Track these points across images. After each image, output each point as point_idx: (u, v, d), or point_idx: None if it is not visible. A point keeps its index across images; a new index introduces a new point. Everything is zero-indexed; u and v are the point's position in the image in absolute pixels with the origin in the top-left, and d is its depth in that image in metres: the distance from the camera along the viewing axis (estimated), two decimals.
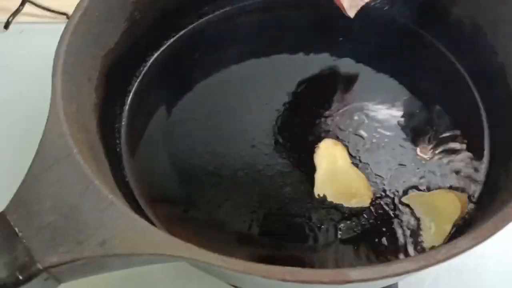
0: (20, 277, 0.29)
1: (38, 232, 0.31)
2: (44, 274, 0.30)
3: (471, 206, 0.43)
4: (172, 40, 0.55)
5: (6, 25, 0.68)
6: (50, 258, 0.30)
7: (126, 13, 0.48)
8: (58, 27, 0.65)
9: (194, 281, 0.47)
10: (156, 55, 0.54)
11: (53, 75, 0.39)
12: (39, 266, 0.30)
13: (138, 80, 0.52)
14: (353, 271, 0.28)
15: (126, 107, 0.50)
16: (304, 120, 0.49)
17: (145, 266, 0.45)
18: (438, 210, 0.42)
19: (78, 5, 0.43)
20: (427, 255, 0.29)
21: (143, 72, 0.53)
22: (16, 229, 0.31)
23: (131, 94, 0.51)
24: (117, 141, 0.48)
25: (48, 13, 0.69)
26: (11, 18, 0.68)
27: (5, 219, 0.31)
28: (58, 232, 0.31)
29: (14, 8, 0.68)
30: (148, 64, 0.54)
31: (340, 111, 0.49)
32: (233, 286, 0.46)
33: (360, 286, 0.33)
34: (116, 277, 0.46)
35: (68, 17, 0.69)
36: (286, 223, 0.43)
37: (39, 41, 0.65)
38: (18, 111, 0.59)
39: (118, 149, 0.47)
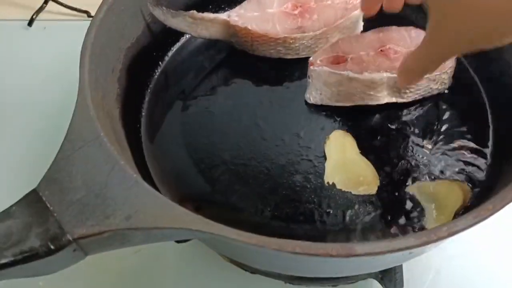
0: (52, 247, 0.32)
1: (68, 207, 0.33)
2: (73, 245, 0.33)
3: (472, 196, 0.45)
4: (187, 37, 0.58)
5: (30, 22, 0.71)
6: (79, 230, 0.33)
7: (147, 9, 0.51)
8: (80, 24, 0.69)
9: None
10: (175, 49, 0.57)
11: (81, 66, 0.41)
12: (69, 237, 0.32)
13: (157, 73, 0.55)
14: (359, 246, 0.31)
15: (146, 98, 0.53)
16: (315, 114, 0.51)
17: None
18: (441, 200, 0.44)
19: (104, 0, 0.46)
20: (429, 232, 0.32)
21: (163, 65, 0.56)
22: (48, 204, 0.34)
23: (151, 86, 0.54)
24: (138, 129, 0.50)
25: (70, 11, 0.72)
26: (34, 15, 0.71)
27: (38, 195, 0.34)
28: (87, 207, 0.33)
29: (37, 6, 0.71)
30: (168, 57, 0.56)
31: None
32: (243, 268, 0.48)
33: (367, 262, 0.35)
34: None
35: (89, 15, 0.71)
36: (296, 209, 0.45)
37: (61, 38, 0.69)
38: (43, 101, 0.62)
39: (139, 136, 0.50)
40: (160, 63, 0.56)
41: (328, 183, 0.46)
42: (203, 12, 0.53)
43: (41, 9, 0.72)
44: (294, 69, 0.54)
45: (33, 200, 0.34)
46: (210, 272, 0.49)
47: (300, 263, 0.36)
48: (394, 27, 0.51)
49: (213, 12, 0.58)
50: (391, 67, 0.48)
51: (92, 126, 0.37)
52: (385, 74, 0.47)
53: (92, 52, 0.42)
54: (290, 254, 0.31)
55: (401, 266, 0.44)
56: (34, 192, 0.34)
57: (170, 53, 0.57)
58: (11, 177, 0.55)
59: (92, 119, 0.37)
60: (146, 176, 0.46)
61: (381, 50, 0.49)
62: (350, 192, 0.45)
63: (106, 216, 0.33)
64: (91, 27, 0.44)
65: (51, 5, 0.72)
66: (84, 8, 0.72)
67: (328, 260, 0.32)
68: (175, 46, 0.57)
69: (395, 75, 0.47)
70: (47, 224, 0.33)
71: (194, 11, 0.51)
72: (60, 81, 0.63)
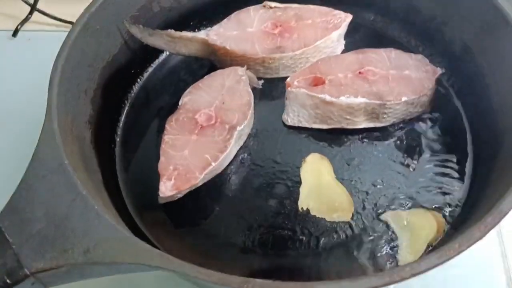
0: (8, 281, 0.32)
1: (28, 239, 0.33)
2: (31, 279, 0.32)
3: (448, 226, 0.44)
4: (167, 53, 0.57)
5: (15, 33, 0.70)
6: (37, 264, 0.32)
7: (125, 27, 0.50)
8: (64, 35, 0.67)
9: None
10: (155, 65, 0.56)
11: (49, 89, 0.41)
12: (26, 271, 0.32)
13: (136, 91, 0.54)
14: (320, 285, 0.30)
15: (122, 118, 0.52)
16: (292, 136, 0.50)
17: None
18: (414, 229, 0.43)
19: (78, 20, 0.45)
20: (391, 271, 0.31)
21: (140, 84, 0.55)
22: (7, 236, 0.33)
23: (128, 105, 0.53)
24: (112, 151, 0.49)
25: (55, 22, 0.71)
26: (19, 26, 0.70)
27: None
28: (46, 239, 0.33)
29: (22, 17, 0.70)
30: (145, 76, 0.55)
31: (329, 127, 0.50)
32: None
33: None
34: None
35: None
36: (269, 236, 0.44)
37: (46, 49, 0.66)
38: (24, 116, 0.60)
39: (112, 159, 0.49)
40: (138, 80, 0.55)
41: (302, 208, 0.45)
42: (182, 30, 0.53)
43: (26, 19, 0.71)
44: (273, 88, 0.54)
45: None
46: None
47: None
48: (374, 49, 0.50)
49: (194, 30, 0.57)
50: (369, 91, 0.47)
51: (57, 153, 0.37)
52: (362, 100, 0.46)
53: (62, 74, 0.42)
54: None
55: None
56: None
57: (149, 69, 0.56)
58: None
59: (57, 146, 0.37)
60: (118, 201, 0.45)
61: (359, 72, 0.48)
62: (324, 219, 0.44)
63: (64, 249, 0.32)
64: (62, 48, 0.43)
65: (36, 16, 0.71)
66: (69, 19, 0.70)
67: None
68: (155, 62, 0.56)
69: (373, 101, 0.46)
70: (5, 258, 0.32)
71: (172, 30, 0.50)
72: (43, 93, 0.62)
